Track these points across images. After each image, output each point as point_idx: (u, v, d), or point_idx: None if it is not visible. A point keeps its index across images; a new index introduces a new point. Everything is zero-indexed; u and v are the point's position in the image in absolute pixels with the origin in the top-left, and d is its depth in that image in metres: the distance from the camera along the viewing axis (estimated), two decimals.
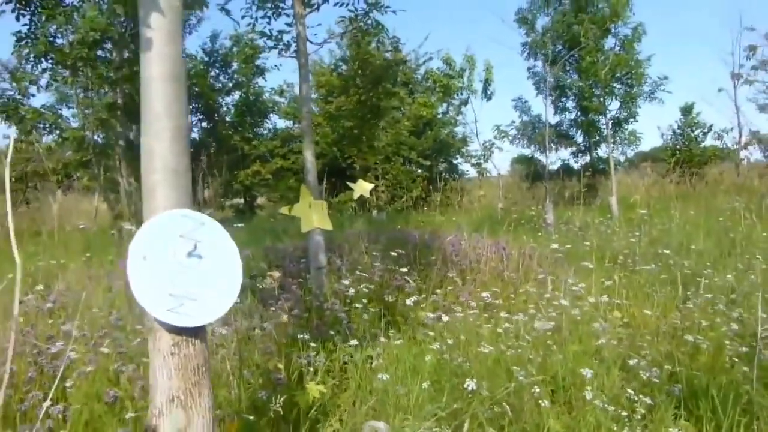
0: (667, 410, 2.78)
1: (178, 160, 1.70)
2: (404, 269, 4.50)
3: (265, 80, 18.05)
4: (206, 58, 17.29)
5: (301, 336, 3.19)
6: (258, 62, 17.81)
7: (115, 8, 10.95)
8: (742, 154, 18.95)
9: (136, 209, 8.56)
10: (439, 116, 19.32)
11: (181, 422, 1.62)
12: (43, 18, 9.06)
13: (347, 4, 6.29)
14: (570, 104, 18.49)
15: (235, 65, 18.12)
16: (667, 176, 17.98)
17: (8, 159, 1.87)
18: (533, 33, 17.93)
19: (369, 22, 6.47)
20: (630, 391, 2.81)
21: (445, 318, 3.51)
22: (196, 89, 15.14)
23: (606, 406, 2.63)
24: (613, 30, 15.95)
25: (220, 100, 18.32)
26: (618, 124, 17.44)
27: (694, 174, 18.32)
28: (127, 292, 4.34)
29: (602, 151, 19.01)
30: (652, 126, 42.04)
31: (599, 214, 11.37)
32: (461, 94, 18.79)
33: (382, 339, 3.40)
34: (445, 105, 19.51)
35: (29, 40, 10.08)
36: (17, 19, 7.85)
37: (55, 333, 3.44)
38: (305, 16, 5.52)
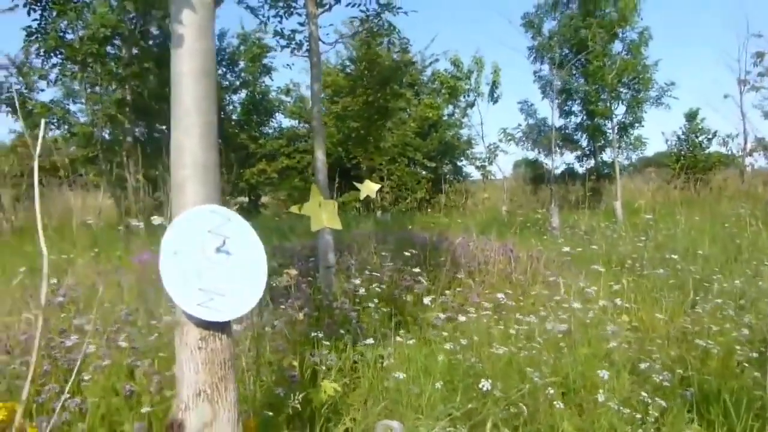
0: (681, 413, 2.79)
1: (207, 156, 1.71)
2: (416, 269, 4.51)
3: (272, 79, 18.02)
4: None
5: (315, 334, 3.20)
6: (265, 61, 17.84)
7: (125, 5, 10.98)
8: (747, 160, 18.92)
9: (144, 206, 8.59)
10: (445, 118, 19.33)
11: (207, 416, 1.63)
12: (54, 13, 9.08)
13: (359, 5, 6.32)
14: (576, 108, 18.49)
15: (242, 64, 18.14)
16: (672, 182, 17.97)
17: (36, 151, 1.89)
18: (540, 37, 17.93)
19: (381, 23, 6.50)
20: (644, 393, 2.82)
21: (461, 318, 3.52)
22: None
23: (621, 408, 2.63)
24: (620, 34, 15.96)
25: (227, 98, 18.35)
26: (624, 128, 17.43)
27: (698, 180, 18.30)
28: (138, 287, 4.37)
29: (607, 155, 19.02)
30: (656, 131, 42.00)
31: (604, 219, 11.39)
32: (468, 96, 18.80)
33: (398, 338, 3.41)
34: (450, 107, 19.52)
35: (39, 35, 10.11)
36: (29, 13, 7.88)
37: (67, 327, 3.46)
38: (318, 15, 5.54)
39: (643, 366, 3.24)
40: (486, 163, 19.27)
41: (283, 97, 19.59)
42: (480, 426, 2.59)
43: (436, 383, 2.94)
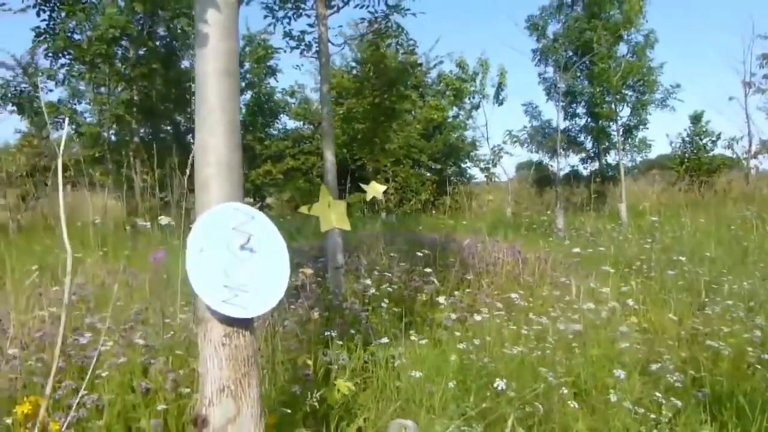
0: (696, 414, 2.79)
1: (231, 155, 1.73)
2: (428, 270, 4.52)
3: (277, 81, 18.01)
4: None
5: (328, 333, 3.22)
6: (270, 63, 17.86)
7: (134, 6, 11.02)
8: (752, 163, 18.91)
9: (150, 206, 8.62)
10: (449, 120, 19.34)
11: (230, 412, 1.64)
12: (63, 14, 9.15)
13: (367, 6, 6.34)
14: (580, 110, 18.50)
15: (247, 65, 18.19)
16: (676, 184, 17.96)
17: (60, 149, 1.90)
18: (544, 39, 17.96)
19: (389, 24, 6.52)
20: (658, 394, 2.82)
21: (477, 318, 3.53)
22: None
23: (636, 408, 2.64)
24: (625, 37, 15.98)
25: None
26: (628, 130, 17.43)
27: (702, 182, 18.28)
28: (148, 286, 4.39)
29: (611, 157, 19.02)
30: (660, 133, 41.93)
31: (609, 221, 11.39)
32: (473, 98, 18.81)
33: (413, 337, 3.42)
34: (455, 108, 19.53)
35: (48, 36, 10.17)
36: (38, 14, 7.95)
37: (79, 325, 3.47)
38: (327, 17, 5.57)
39: (654, 367, 3.25)
40: (490, 165, 19.29)
41: (288, 98, 19.63)
42: (494, 425, 2.60)
43: (449, 383, 2.96)
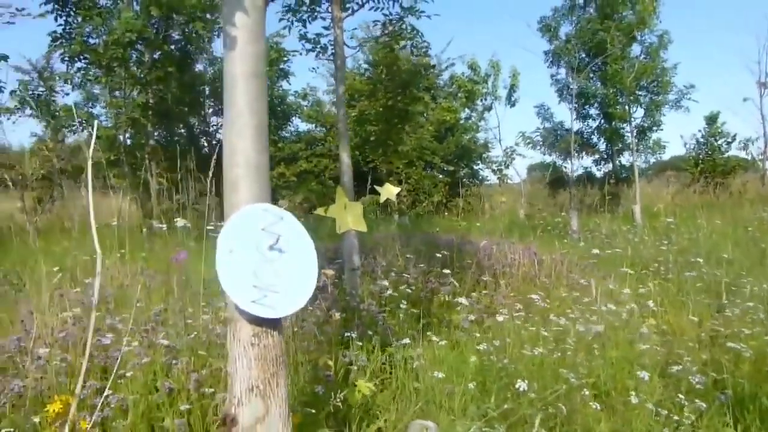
0: (721, 415, 2.78)
1: (259, 157, 1.75)
2: (446, 271, 4.53)
3: (289, 83, 18.05)
4: None
5: (348, 334, 3.23)
6: (282, 66, 17.92)
7: (150, 10, 11.12)
8: None
9: (167, 207, 8.71)
10: (461, 122, 19.32)
11: (259, 411, 1.66)
12: (80, 19, 9.27)
13: (382, 9, 6.36)
14: (593, 111, 18.39)
15: None
16: (691, 186, 17.82)
17: (90, 152, 1.93)
18: (557, 40, 17.88)
19: (403, 26, 6.54)
20: (680, 396, 2.81)
21: (500, 318, 3.53)
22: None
23: (658, 410, 2.63)
24: (639, 37, 15.87)
25: None
26: (642, 132, 17.31)
27: (717, 184, 18.12)
28: (165, 287, 4.43)
29: (625, 159, 18.90)
30: (673, 135, 41.62)
31: (623, 222, 11.33)
32: (485, 99, 18.77)
33: (434, 338, 3.43)
34: (467, 110, 19.50)
35: (64, 40, 10.29)
36: (56, 19, 8.06)
37: (101, 326, 3.51)
38: (343, 20, 5.59)
39: (675, 369, 3.23)
40: (503, 167, 19.24)
41: (300, 101, 19.69)
42: (516, 426, 2.60)
43: (469, 384, 2.96)
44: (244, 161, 1.72)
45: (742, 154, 19.76)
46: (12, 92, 11.83)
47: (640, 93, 16.28)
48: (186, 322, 3.23)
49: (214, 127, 16.85)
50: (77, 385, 1.83)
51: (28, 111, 11.96)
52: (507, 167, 19.15)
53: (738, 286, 5.10)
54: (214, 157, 3.24)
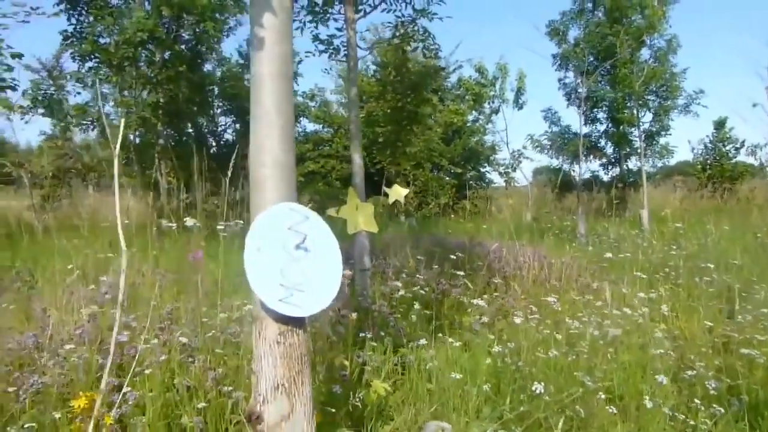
0: (734, 422, 2.77)
1: (286, 156, 1.76)
2: (460, 272, 4.54)
3: (298, 84, 18.08)
4: (242, 61, 17.52)
5: (363, 335, 3.24)
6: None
7: (161, 9, 11.16)
8: None
9: (178, 206, 8.73)
10: (469, 124, 19.33)
11: (285, 409, 1.67)
12: (91, 18, 9.31)
13: (395, 10, 6.38)
14: (601, 115, 18.37)
15: None
16: (699, 191, 17.76)
17: (116, 150, 1.95)
18: (565, 44, 17.86)
19: (416, 28, 6.55)
20: (696, 401, 2.81)
21: (517, 320, 3.54)
22: (234, 91, 15.36)
23: (675, 414, 2.63)
24: (648, 42, 15.85)
25: None
26: (650, 136, 17.28)
27: (725, 189, 18.06)
28: (177, 285, 4.45)
29: (632, 163, 18.86)
30: (680, 140, 41.51)
31: (630, 227, 11.30)
32: (492, 102, 18.75)
33: (449, 339, 3.43)
34: (475, 113, 19.51)
35: (75, 39, 10.34)
36: (68, 19, 8.11)
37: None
38: (356, 21, 5.61)
39: (689, 374, 3.23)
40: (510, 170, 19.24)
41: (308, 101, 19.73)
42: (532, 429, 2.61)
43: (483, 386, 2.96)
44: (271, 161, 1.74)
45: (750, 160, 19.71)
46: (24, 92, 11.93)
47: (648, 97, 16.25)
48: (202, 321, 3.25)
49: (222, 127, 16.90)
50: (102, 381, 1.85)
51: (40, 110, 12.03)
52: (514, 170, 19.17)
53: (749, 292, 5.09)
54: (233, 156, 3.26)
